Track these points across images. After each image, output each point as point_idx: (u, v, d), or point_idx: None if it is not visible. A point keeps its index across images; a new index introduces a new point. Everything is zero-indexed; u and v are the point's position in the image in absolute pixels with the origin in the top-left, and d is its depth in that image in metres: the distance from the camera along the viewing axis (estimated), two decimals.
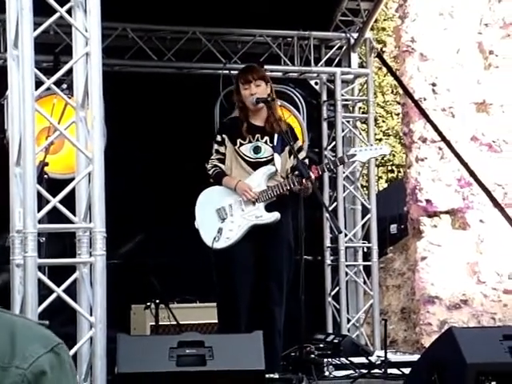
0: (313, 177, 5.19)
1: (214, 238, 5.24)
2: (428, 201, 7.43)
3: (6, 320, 1.35)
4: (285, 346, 5.64)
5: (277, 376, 5.15)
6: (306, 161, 5.50)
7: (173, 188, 6.66)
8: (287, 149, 5.45)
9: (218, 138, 5.49)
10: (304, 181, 5.07)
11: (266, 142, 5.44)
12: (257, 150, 5.44)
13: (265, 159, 5.42)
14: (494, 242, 7.28)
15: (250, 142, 5.44)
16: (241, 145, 5.43)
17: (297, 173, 5.25)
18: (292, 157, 5.46)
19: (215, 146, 5.47)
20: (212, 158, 5.46)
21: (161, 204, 6.72)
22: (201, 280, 6.13)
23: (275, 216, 5.35)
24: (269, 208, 5.36)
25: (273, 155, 5.41)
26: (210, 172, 5.43)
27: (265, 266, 5.33)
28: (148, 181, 6.76)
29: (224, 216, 5.37)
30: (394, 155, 18.30)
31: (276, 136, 5.42)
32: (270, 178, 5.41)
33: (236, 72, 5.93)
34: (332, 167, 5.61)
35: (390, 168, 18.18)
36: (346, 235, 7.17)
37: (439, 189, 7.41)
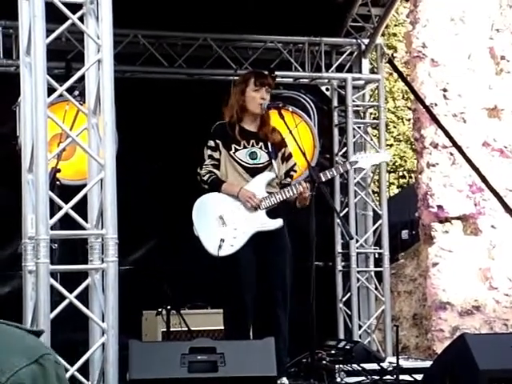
0: (323, 179, 5.20)
1: (219, 247, 5.20)
2: (439, 206, 7.42)
3: None
4: (296, 352, 5.63)
5: (287, 382, 5.15)
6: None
7: (183, 194, 6.65)
8: (280, 155, 5.47)
9: (212, 143, 5.41)
10: (316, 185, 5.06)
11: (261, 148, 5.43)
12: (253, 155, 5.42)
13: (261, 165, 5.41)
14: (506, 248, 7.25)
15: (245, 147, 5.41)
16: (236, 150, 5.39)
17: (308, 179, 5.24)
18: (285, 163, 5.48)
19: (208, 152, 5.40)
20: (206, 163, 5.38)
21: (171, 210, 6.72)
22: (212, 286, 6.13)
23: (279, 222, 5.35)
24: (269, 214, 5.36)
25: (269, 161, 5.40)
26: (205, 178, 5.36)
27: (268, 271, 5.32)
28: (159, 187, 6.77)
29: (226, 223, 5.32)
30: (405, 161, 18.28)
31: (269, 142, 5.43)
32: (269, 184, 5.41)
33: (248, 71, 5.90)
34: (335, 174, 5.62)
35: (401, 174, 18.14)
36: (357, 241, 7.16)
37: (451, 194, 7.39)
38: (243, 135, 5.41)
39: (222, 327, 5.87)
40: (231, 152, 5.38)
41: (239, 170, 5.37)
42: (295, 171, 5.56)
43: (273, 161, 5.40)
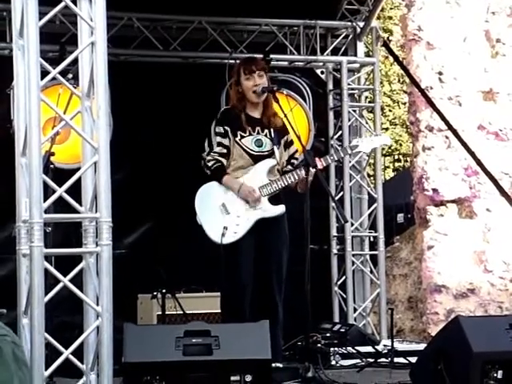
0: (319, 166, 5.19)
1: (222, 234, 5.21)
2: (435, 190, 7.42)
3: None
4: (291, 335, 5.65)
5: (282, 365, 5.17)
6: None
7: (178, 178, 6.66)
8: (283, 142, 5.48)
9: (221, 129, 5.40)
10: (311, 169, 5.05)
11: (266, 135, 5.43)
12: (259, 142, 5.42)
13: (266, 153, 5.42)
14: (500, 231, 7.26)
15: (250, 134, 5.41)
16: (242, 137, 5.39)
17: (303, 163, 5.24)
18: (287, 150, 5.50)
19: (217, 138, 5.39)
20: (215, 151, 5.37)
21: (167, 194, 6.72)
22: (207, 270, 6.14)
23: (281, 209, 5.37)
24: (271, 201, 5.37)
25: (273, 148, 5.41)
26: (210, 164, 5.35)
27: (267, 258, 5.35)
28: (154, 171, 6.76)
29: (229, 211, 5.33)
30: (400, 144, 18.28)
31: (272, 129, 5.42)
32: (270, 171, 5.41)
33: (238, 61, 5.91)
34: (336, 158, 5.61)
35: (396, 157, 18.16)
36: (352, 224, 7.18)
37: (446, 178, 7.40)
38: (249, 122, 5.42)
39: (217, 311, 5.89)
40: (237, 139, 5.38)
41: (245, 157, 5.38)
42: (296, 159, 5.55)
43: (275, 148, 5.41)
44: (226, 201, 5.35)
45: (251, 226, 5.31)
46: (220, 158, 5.37)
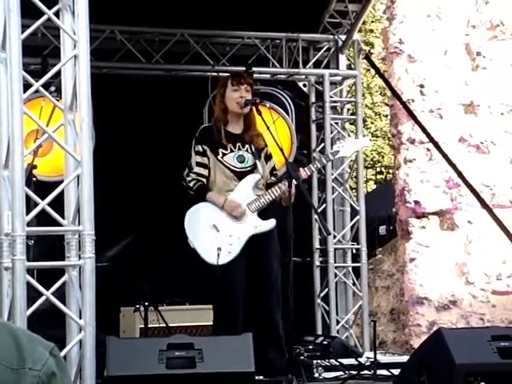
0: (302, 177, 5.20)
1: (218, 256, 5.18)
2: (416, 202, 7.45)
3: (4, 324, 1.37)
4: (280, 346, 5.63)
5: (265, 378, 5.16)
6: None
7: (160, 191, 6.66)
8: (263, 155, 5.48)
9: (199, 148, 5.36)
10: (294, 182, 5.05)
11: (247, 151, 5.43)
12: (241, 158, 5.41)
13: (249, 168, 5.41)
14: (482, 243, 7.30)
15: (231, 151, 5.39)
16: (223, 155, 5.37)
17: (286, 175, 5.24)
18: (268, 163, 5.50)
19: (196, 158, 5.34)
20: (194, 170, 5.33)
21: (148, 207, 6.71)
22: (190, 282, 6.13)
23: (272, 223, 5.37)
24: (261, 216, 5.37)
25: (255, 163, 5.41)
26: (191, 184, 5.32)
27: (262, 275, 5.30)
28: (136, 184, 6.75)
29: (220, 231, 5.28)
30: (382, 156, 18.34)
31: (253, 145, 5.44)
32: (255, 185, 5.41)
33: (225, 74, 5.93)
34: (319, 166, 5.62)
35: (378, 169, 18.22)
36: (334, 237, 7.19)
37: (427, 190, 7.43)
38: (229, 139, 5.39)
39: (200, 323, 5.87)
40: (219, 157, 5.35)
41: (228, 174, 5.35)
42: (276, 170, 5.58)
43: (257, 162, 5.41)
44: (216, 221, 5.29)
45: (244, 244, 5.30)
46: (199, 178, 5.33)
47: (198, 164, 5.35)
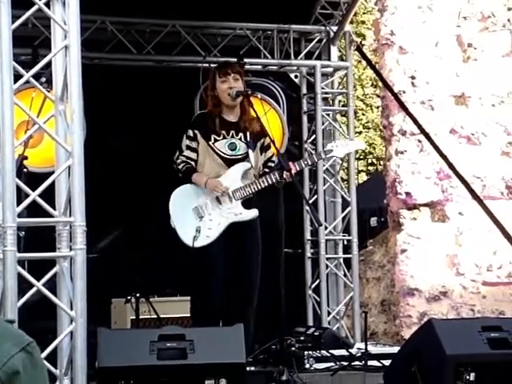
0: (293, 170, 5.20)
1: (194, 237, 5.22)
2: (407, 193, 7.46)
3: None
4: (265, 338, 5.64)
5: (256, 369, 5.17)
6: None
7: (151, 182, 6.65)
8: (259, 145, 5.49)
9: (190, 132, 5.43)
10: (284, 174, 5.06)
11: (240, 139, 5.44)
12: (232, 146, 5.43)
13: (240, 156, 5.43)
14: (472, 235, 7.31)
15: (224, 138, 5.42)
16: (215, 141, 5.40)
17: (278, 166, 5.25)
18: (263, 153, 5.49)
19: (186, 142, 5.42)
20: (182, 153, 5.41)
21: (139, 198, 6.70)
22: (181, 273, 6.13)
23: (255, 212, 5.39)
24: (244, 204, 5.38)
25: (247, 152, 5.42)
26: (180, 167, 5.40)
27: (240, 265, 5.37)
28: (127, 175, 6.74)
29: (202, 214, 5.35)
30: (374, 148, 18.37)
31: (248, 133, 5.43)
32: (244, 174, 5.42)
33: (214, 65, 5.92)
34: (310, 163, 5.63)
35: (370, 161, 18.25)
36: (326, 228, 7.19)
37: (419, 181, 7.44)
38: (223, 126, 5.42)
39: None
40: (210, 142, 5.39)
41: (218, 160, 5.38)
42: (273, 162, 5.54)
43: (249, 151, 5.41)
44: (199, 203, 5.36)
45: (223, 230, 5.32)
46: (187, 160, 5.40)
47: (188, 147, 5.41)
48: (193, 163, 5.40)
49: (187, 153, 5.41)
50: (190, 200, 5.37)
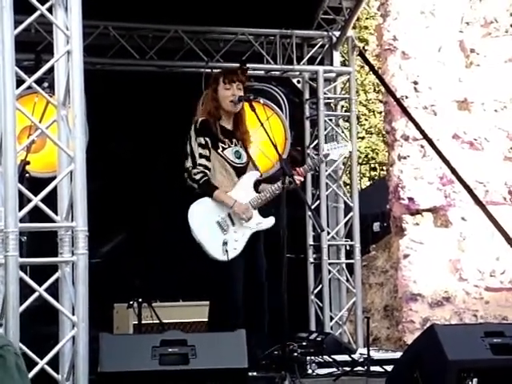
0: (300, 180, 5.26)
1: (226, 251, 5.22)
2: (410, 199, 7.46)
3: None
4: (268, 344, 5.64)
5: (258, 374, 5.17)
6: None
7: (153, 187, 6.65)
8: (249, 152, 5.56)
9: (201, 140, 5.36)
10: (295, 177, 5.12)
11: (241, 147, 5.49)
12: (237, 154, 5.46)
13: (244, 164, 5.48)
14: (475, 240, 7.31)
15: (229, 146, 5.44)
16: (223, 149, 5.41)
17: (280, 171, 5.27)
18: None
19: (199, 150, 5.34)
20: (199, 162, 5.31)
21: (141, 203, 6.70)
22: (183, 279, 6.13)
23: (272, 221, 5.44)
24: (261, 213, 5.44)
25: (248, 160, 5.44)
26: (197, 177, 5.30)
27: (255, 272, 5.40)
28: (129, 179, 6.74)
29: (226, 227, 5.34)
30: (376, 153, 18.38)
31: (245, 143, 5.50)
32: (256, 183, 5.46)
33: (218, 70, 5.92)
34: (313, 168, 5.68)
35: (372, 166, 18.25)
36: (328, 233, 7.19)
37: (421, 187, 7.44)
38: (224, 134, 5.44)
39: (194, 320, 5.88)
40: (219, 151, 5.39)
41: (228, 169, 5.40)
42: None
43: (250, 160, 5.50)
44: (221, 217, 5.34)
45: (248, 240, 5.35)
46: (206, 171, 5.34)
47: (202, 156, 5.36)
48: (208, 172, 5.34)
49: (202, 161, 5.33)
50: (211, 214, 5.33)
